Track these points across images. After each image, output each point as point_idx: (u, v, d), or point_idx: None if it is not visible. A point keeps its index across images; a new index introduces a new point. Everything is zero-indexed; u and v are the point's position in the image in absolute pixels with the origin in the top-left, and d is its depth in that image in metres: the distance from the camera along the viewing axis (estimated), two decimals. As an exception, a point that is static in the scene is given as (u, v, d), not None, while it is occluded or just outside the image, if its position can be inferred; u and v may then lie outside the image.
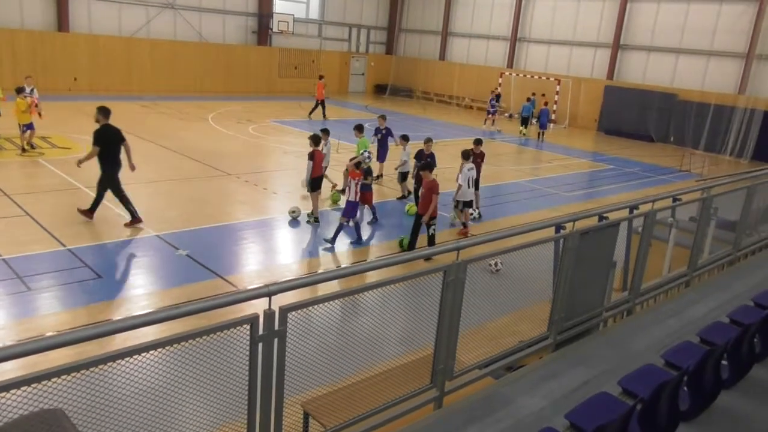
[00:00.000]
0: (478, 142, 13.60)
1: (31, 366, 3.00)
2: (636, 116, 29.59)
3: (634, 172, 21.30)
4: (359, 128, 14.26)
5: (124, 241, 10.68)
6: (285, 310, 3.64)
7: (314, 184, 12.13)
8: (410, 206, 13.27)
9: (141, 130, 20.41)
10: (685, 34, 28.37)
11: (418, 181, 12.69)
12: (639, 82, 30.08)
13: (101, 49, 28.32)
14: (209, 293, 8.78)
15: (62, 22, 27.34)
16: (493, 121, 28.81)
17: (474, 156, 12.92)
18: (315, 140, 12.21)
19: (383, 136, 15.69)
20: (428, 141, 13.61)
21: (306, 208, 12.69)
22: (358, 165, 11.44)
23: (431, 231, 10.66)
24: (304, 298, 3.81)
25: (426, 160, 12.48)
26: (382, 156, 15.68)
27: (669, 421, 3.86)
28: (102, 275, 9.02)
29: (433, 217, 10.61)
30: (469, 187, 12.38)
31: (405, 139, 14.50)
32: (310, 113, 26.79)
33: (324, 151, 12.90)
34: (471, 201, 12.75)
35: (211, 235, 11.13)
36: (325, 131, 13.45)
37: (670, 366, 4.89)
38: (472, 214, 13.03)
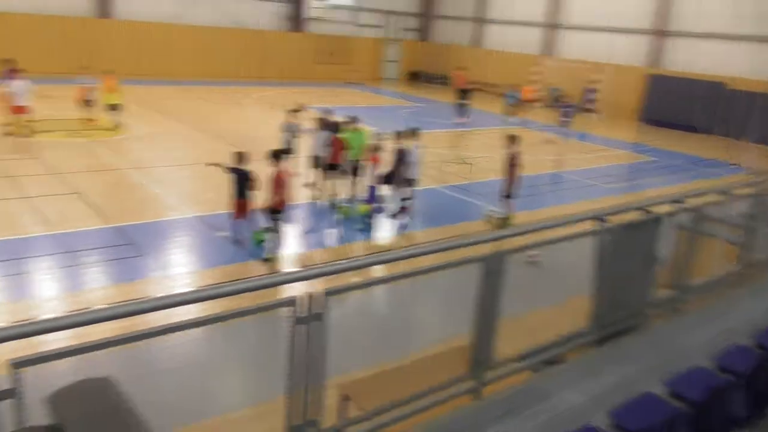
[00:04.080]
0: (512, 139, 11.87)
1: (80, 337, 3.09)
2: (680, 106, 28.71)
3: (678, 165, 20.76)
4: (350, 120, 12.84)
5: (166, 220, 10.89)
6: (326, 294, 3.66)
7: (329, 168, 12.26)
8: (362, 207, 11.89)
9: (179, 114, 20.75)
10: (734, 18, 27.27)
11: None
12: (684, 70, 29.17)
13: (142, 34, 28.76)
14: (247, 275, 8.90)
15: (106, 8, 27.84)
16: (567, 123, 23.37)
17: (510, 156, 11.81)
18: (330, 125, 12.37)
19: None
20: (405, 134, 11.86)
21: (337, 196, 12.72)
22: (376, 149, 11.31)
23: (277, 227, 9.53)
24: (345, 282, 3.83)
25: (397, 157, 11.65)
26: None
27: (722, 427, 3.76)
28: (144, 253, 9.23)
29: (278, 210, 9.39)
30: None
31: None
32: (460, 99, 25.31)
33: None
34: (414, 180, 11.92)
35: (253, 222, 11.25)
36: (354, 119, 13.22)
37: (723, 369, 4.73)
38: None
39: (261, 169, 9.68)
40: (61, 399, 3.54)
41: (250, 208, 9.71)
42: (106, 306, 3.16)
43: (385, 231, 11.56)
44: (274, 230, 9.38)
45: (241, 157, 9.61)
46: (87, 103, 17.22)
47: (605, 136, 25.55)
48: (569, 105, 22.17)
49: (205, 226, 10.60)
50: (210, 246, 9.93)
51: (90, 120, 17.26)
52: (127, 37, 28.33)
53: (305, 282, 3.86)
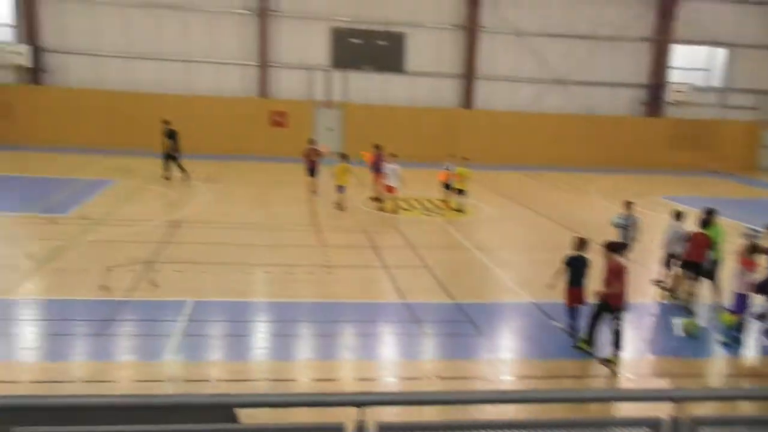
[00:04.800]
0: None
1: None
2: None
3: None
4: (711, 213, 11.12)
5: (503, 303, 11.06)
6: (694, 422, 3.02)
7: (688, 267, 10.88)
8: (726, 317, 9.74)
9: (525, 200, 21.34)
10: None
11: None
12: None
13: (498, 123, 31.00)
14: (579, 372, 8.33)
15: (468, 100, 31.01)
16: None
17: None
18: (703, 222, 10.97)
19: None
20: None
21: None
22: (751, 250, 9.49)
23: (616, 325, 8.49)
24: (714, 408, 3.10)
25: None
26: None
27: None
28: (480, 333, 9.41)
29: (618, 309, 8.46)
30: None
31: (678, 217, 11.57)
32: None
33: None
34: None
35: (586, 311, 10.63)
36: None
37: None
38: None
39: (596, 260, 9.14)
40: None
41: (584, 298, 9.21)
42: (473, 391, 3.13)
43: (756, 349, 9.58)
44: (614, 329, 8.57)
45: (581, 243, 9.32)
46: (447, 187, 18.97)
47: None
48: None
49: (541, 314, 10.35)
50: (543, 335, 9.62)
51: (445, 202, 18.97)
52: (486, 125, 30.86)
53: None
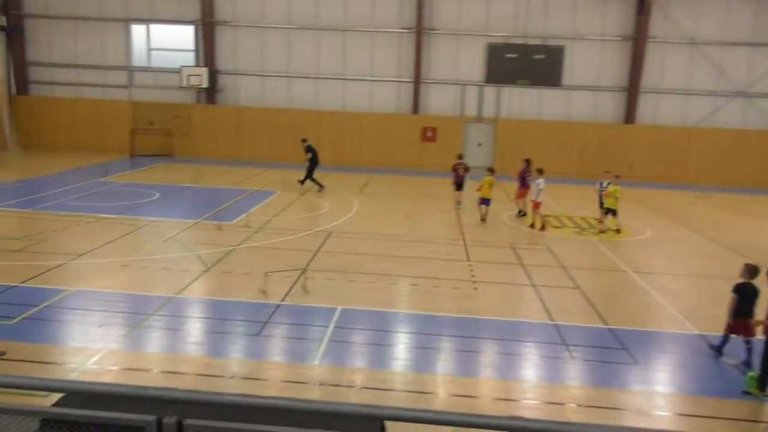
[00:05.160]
0: None
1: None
2: None
3: None
4: None
5: (663, 332, 10.15)
6: None
7: None
8: None
9: (691, 221, 19.53)
10: None
11: None
12: None
13: (664, 138, 28.72)
14: (751, 416, 7.39)
15: (631, 114, 29.08)
16: None
17: None
18: None
19: None
20: None
21: None
22: None
23: None
24: None
25: None
26: None
27: None
28: (636, 362, 8.70)
29: None
30: None
31: None
32: None
33: None
34: None
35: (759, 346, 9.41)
36: None
37: None
38: None
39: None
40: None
41: (751, 330, 8.37)
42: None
43: None
44: None
45: (752, 270, 8.57)
46: (602, 205, 17.87)
47: None
48: None
49: (708, 347, 9.33)
50: (710, 370, 8.69)
51: (599, 221, 17.90)
52: (649, 141, 28.77)
53: None
